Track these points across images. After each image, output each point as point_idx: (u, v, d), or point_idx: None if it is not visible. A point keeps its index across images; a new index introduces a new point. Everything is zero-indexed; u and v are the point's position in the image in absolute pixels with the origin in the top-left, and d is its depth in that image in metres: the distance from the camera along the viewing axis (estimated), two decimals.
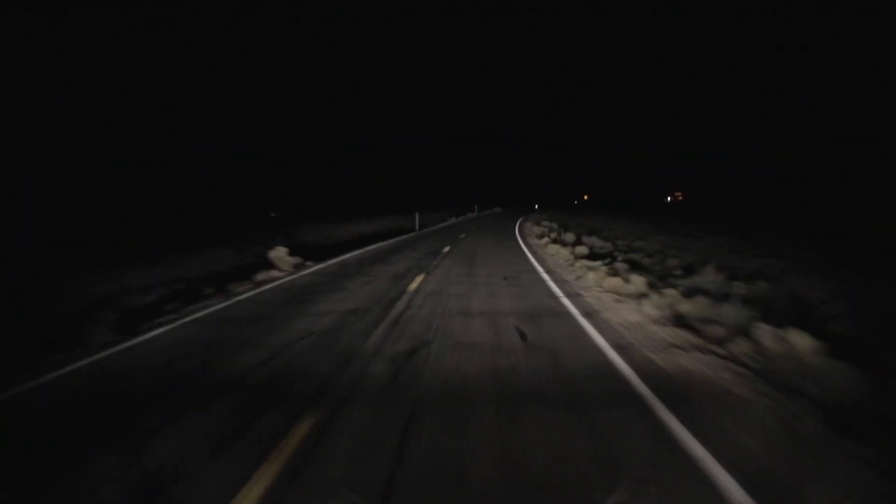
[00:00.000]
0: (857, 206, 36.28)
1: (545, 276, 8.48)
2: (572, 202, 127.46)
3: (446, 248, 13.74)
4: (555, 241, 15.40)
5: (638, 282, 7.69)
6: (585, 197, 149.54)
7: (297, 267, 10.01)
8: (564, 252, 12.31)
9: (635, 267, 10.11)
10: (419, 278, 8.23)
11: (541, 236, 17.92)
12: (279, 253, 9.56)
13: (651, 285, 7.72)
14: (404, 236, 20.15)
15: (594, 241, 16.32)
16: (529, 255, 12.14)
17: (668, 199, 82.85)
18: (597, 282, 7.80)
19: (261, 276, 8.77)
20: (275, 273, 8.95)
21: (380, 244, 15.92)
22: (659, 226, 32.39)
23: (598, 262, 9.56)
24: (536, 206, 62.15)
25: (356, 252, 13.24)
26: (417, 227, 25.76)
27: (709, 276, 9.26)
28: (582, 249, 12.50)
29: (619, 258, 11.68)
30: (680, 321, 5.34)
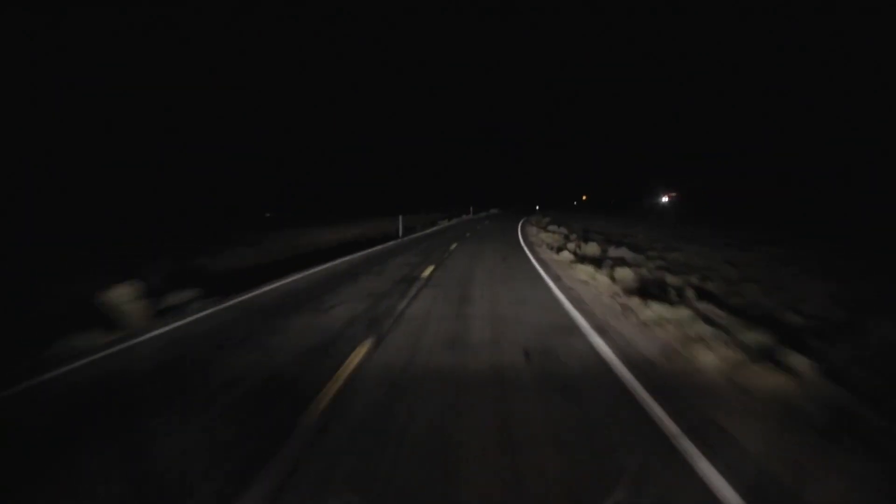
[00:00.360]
0: (856, 206, 35.20)
1: (603, 347, 4.38)
2: (571, 202, 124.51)
3: (427, 271, 9.64)
4: (578, 258, 11.37)
5: (805, 367, 3.68)
6: (584, 197, 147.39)
7: (158, 317, 5.84)
8: (603, 279, 8.26)
9: (717, 306, 6.06)
10: (355, 357, 4.11)
11: (557, 249, 13.91)
12: (120, 296, 5.40)
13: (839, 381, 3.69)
14: (379, 247, 16.05)
15: (624, 254, 12.32)
16: (553, 284, 8.06)
17: (664, 198, 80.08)
18: (725, 372, 3.73)
19: (70, 343, 4.62)
20: (87, 341, 4.76)
21: (339, 261, 11.81)
22: (676, 230, 28.54)
23: (685, 311, 5.48)
24: (538, 208, 58.11)
25: (296, 277, 9.11)
26: (400, 234, 21.62)
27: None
28: (625, 274, 8.47)
29: (687, 291, 7.63)
30: None
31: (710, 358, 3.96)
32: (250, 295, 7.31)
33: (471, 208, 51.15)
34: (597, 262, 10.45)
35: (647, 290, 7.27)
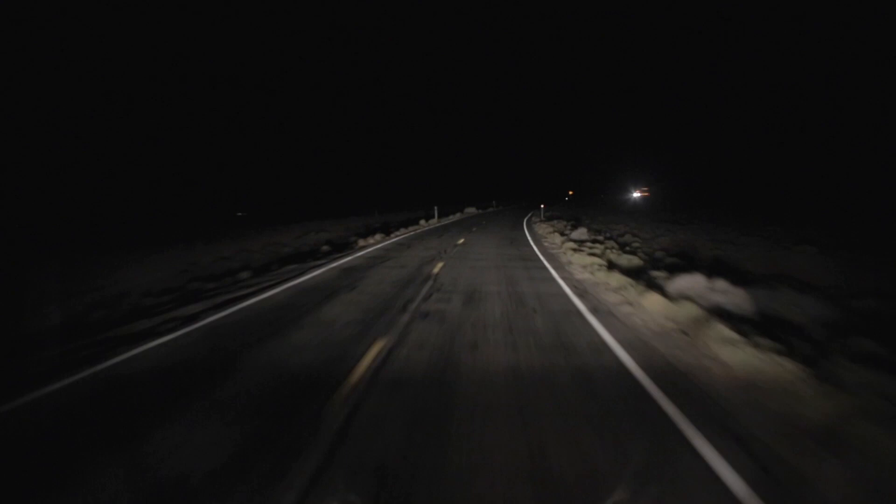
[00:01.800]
0: (852, 204, 36.90)
1: None
2: (561, 198, 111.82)
3: None
4: None
5: None
6: (570, 192, 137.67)
7: None
8: None
9: None
10: None
11: None
12: None
13: None
14: None
15: None
16: None
17: (637, 194, 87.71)
18: None
19: None
20: None
21: None
22: (697, 227, 14.85)
23: None
24: (543, 206, 41.29)
25: None
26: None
27: None
28: None
29: None
30: None
31: None
32: None
33: (435, 209, 33.35)
34: None
35: None
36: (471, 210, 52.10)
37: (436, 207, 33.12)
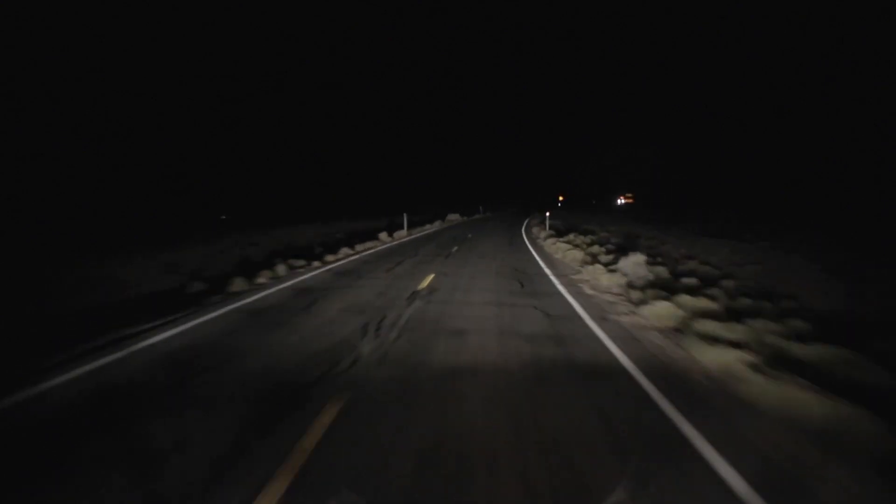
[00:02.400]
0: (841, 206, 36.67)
1: None
2: (554, 203, 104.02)
3: None
4: None
5: None
6: (561, 197, 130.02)
7: None
8: None
9: None
10: None
11: None
12: None
13: None
14: None
15: None
16: None
17: (620, 200, 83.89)
18: None
19: None
20: None
21: None
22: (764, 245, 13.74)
23: None
24: (548, 213, 33.57)
25: None
26: None
27: None
28: None
29: None
30: None
31: None
32: None
33: (405, 217, 25.30)
34: None
35: None
36: (454, 217, 44.39)
37: (405, 215, 25.02)
